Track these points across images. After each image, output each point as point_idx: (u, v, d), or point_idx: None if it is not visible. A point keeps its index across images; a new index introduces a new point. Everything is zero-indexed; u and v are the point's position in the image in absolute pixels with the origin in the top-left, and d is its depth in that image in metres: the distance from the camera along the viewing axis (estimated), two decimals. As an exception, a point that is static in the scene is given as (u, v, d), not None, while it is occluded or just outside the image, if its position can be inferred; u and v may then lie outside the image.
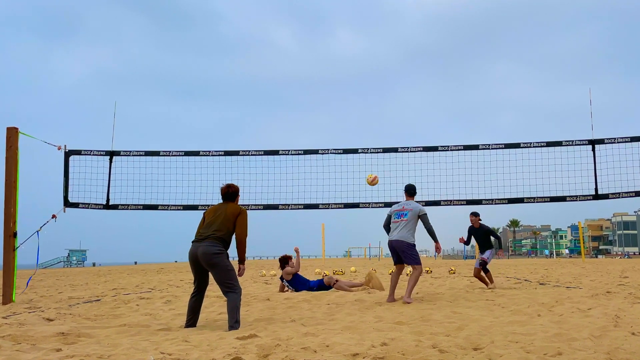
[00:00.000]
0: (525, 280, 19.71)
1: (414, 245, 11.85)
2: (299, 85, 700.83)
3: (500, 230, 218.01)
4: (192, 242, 8.94)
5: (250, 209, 14.29)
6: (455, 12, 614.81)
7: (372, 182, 13.38)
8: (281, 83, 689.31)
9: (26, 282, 16.55)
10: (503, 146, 14.46)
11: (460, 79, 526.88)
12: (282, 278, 14.82)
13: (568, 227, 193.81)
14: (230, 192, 9.47)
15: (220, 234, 8.89)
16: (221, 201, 9.52)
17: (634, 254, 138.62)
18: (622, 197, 14.18)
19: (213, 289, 11.17)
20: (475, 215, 15.70)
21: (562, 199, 14.31)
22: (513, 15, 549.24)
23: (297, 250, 15.20)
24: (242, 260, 9.17)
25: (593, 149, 14.18)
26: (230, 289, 8.78)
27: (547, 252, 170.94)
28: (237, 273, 8.97)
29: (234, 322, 8.62)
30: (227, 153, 14.75)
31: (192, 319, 9.12)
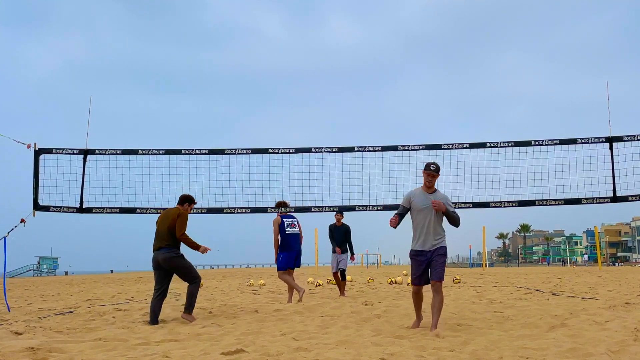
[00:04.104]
0: (537, 290, 19.74)
1: None
2: (290, 78, 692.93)
3: (510, 235, 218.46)
4: (153, 251, 11.25)
5: (237, 212, 14.35)
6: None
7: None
8: (271, 75, 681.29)
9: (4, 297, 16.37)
10: (512, 144, 14.49)
11: (465, 70, 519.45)
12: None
13: (583, 232, 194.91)
14: (181, 197, 11.90)
15: (169, 241, 11.25)
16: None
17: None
18: (643, 199, 14.24)
19: (192, 300, 11.28)
20: (340, 213, 17.51)
21: (577, 201, 14.34)
22: (522, 1, 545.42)
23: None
24: (195, 247, 11.45)
25: (611, 147, 14.19)
26: (192, 280, 11.37)
27: (575, 258, 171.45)
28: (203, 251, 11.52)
29: (188, 306, 11.21)
30: (212, 152, 14.76)
31: (154, 320, 11.15)
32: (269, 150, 14.75)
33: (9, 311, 14.15)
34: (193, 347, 8.08)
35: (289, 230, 13.76)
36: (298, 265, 14.43)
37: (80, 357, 7.21)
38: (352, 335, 8.88)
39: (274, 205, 14.06)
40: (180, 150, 14.85)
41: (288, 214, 14.06)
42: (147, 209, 14.62)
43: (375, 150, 14.75)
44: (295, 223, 13.91)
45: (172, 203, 13.89)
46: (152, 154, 14.92)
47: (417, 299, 10.33)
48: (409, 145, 14.70)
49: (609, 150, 14.18)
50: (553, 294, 17.58)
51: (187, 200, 12.00)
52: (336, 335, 8.99)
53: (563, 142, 14.38)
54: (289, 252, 14.05)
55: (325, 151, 14.76)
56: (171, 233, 11.29)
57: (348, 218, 17.02)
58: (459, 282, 26.96)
